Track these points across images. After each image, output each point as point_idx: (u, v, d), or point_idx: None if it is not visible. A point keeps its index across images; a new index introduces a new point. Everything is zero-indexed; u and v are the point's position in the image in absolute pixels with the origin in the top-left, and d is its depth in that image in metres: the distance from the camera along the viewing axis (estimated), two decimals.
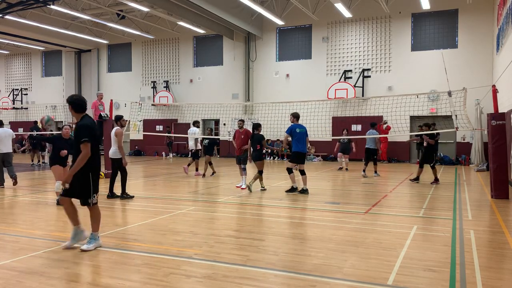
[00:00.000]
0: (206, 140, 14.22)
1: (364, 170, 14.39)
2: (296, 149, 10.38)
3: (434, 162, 12.41)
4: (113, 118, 11.26)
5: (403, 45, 21.25)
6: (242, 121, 11.87)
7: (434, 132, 12.38)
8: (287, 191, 10.49)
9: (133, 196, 9.65)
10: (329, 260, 5.02)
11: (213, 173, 14.57)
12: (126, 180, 9.62)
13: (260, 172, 10.91)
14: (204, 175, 14.05)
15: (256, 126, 11.00)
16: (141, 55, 27.71)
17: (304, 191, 10.30)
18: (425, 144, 12.43)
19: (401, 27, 21.28)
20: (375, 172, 14.59)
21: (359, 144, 17.56)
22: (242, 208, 8.72)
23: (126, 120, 10.24)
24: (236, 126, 11.99)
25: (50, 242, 5.82)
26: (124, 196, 9.52)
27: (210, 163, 14.20)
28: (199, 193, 10.74)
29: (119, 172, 9.59)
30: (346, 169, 16.77)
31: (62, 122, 28.55)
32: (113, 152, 9.54)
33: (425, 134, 12.27)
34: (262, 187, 11.05)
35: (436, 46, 20.58)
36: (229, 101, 24.25)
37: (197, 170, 14.70)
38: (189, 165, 14.90)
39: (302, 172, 10.45)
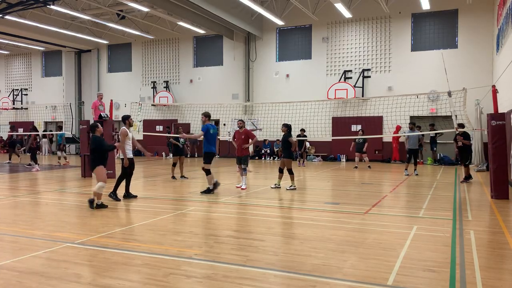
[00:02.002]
0: (182, 140, 13.97)
1: (406, 169, 15.06)
2: (208, 150, 10.52)
3: (469, 162, 13.06)
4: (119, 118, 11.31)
5: (403, 45, 21.24)
6: (242, 121, 11.80)
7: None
8: (202, 192, 10.48)
9: (119, 200, 9.37)
10: (329, 260, 5.02)
11: (181, 176, 13.64)
12: (121, 181, 9.51)
13: (290, 171, 11.25)
14: (174, 176, 13.58)
15: (289, 127, 11.58)
16: (141, 55, 27.71)
17: (210, 191, 10.39)
18: (459, 144, 12.80)
19: (401, 27, 21.28)
20: (415, 169, 15.09)
21: (372, 144, 18.66)
22: (242, 208, 8.73)
23: (134, 120, 10.09)
24: (236, 127, 11.95)
25: (50, 242, 5.82)
26: (112, 196, 9.34)
27: (178, 165, 13.66)
28: (199, 193, 10.73)
29: (128, 172, 9.55)
30: (369, 166, 17.71)
31: (62, 122, 28.60)
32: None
33: (459, 135, 12.73)
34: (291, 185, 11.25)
35: (436, 46, 20.58)
36: (229, 101, 24.25)
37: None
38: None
39: (208, 172, 10.49)
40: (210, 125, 10.58)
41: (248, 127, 23.94)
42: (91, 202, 8.33)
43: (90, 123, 8.97)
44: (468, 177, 12.84)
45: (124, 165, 9.37)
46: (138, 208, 8.59)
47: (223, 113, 23.96)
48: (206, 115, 10.75)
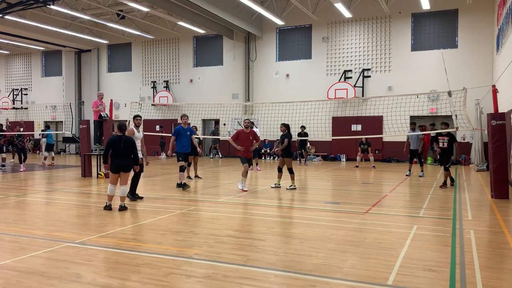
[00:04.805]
0: (196, 139, 13.93)
1: (409, 170, 14.89)
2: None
3: (450, 165, 11.62)
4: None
5: (403, 45, 21.24)
6: (249, 121, 11.28)
7: (446, 130, 11.61)
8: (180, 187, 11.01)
9: (142, 198, 9.53)
10: (329, 260, 5.02)
11: (196, 176, 13.68)
12: (137, 181, 9.48)
13: (290, 170, 11.26)
14: (190, 177, 13.53)
15: (288, 127, 11.59)
16: (141, 55, 27.71)
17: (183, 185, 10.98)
18: (445, 145, 11.59)
19: (401, 27, 21.28)
20: (421, 171, 14.73)
21: (372, 144, 18.91)
22: (242, 208, 8.72)
23: (140, 119, 9.67)
24: (236, 126, 11.84)
25: (50, 242, 5.82)
26: (136, 196, 9.47)
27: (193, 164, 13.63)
28: (199, 193, 10.73)
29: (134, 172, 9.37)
30: (373, 166, 17.99)
31: (62, 122, 28.61)
32: None
33: (442, 135, 11.63)
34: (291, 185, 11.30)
35: (436, 46, 20.58)
36: (229, 101, 24.25)
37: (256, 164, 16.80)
38: (257, 164, 16.89)
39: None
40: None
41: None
42: (122, 207, 8.18)
43: (118, 123, 8.46)
44: (445, 182, 11.60)
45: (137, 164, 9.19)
46: (138, 208, 8.59)
47: (223, 113, 23.97)
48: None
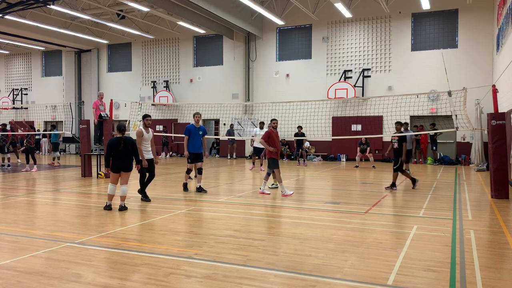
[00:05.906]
0: None
1: (408, 170, 14.61)
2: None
3: (398, 167, 11.10)
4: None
5: (403, 45, 21.24)
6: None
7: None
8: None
9: (149, 200, 9.29)
10: (329, 260, 5.03)
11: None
12: (144, 181, 9.34)
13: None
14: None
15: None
16: (141, 55, 27.71)
17: (201, 190, 10.59)
18: (396, 146, 11.15)
19: (401, 27, 21.27)
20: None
21: (372, 144, 19.14)
22: (242, 208, 8.72)
23: (150, 120, 9.41)
24: (236, 126, 11.75)
25: (50, 242, 5.83)
26: (142, 198, 9.36)
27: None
28: (199, 193, 10.72)
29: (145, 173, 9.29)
30: (373, 166, 17.99)
31: (62, 122, 28.61)
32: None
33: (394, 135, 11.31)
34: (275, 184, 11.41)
35: (436, 46, 20.58)
36: (229, 101, 24.24)
37: (254, 164, 16.95)
38: (261, 164, 16.69)
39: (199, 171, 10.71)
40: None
41: (249, 126, 24.00)
42: (122, 207, 8.20)
43: (117, 124, 8.43)
44: (394, 184, 11.19)
45: (143, 166, 9.02)
46: (138, 208, 8.59)
47: (223, 113, 23.96)
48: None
